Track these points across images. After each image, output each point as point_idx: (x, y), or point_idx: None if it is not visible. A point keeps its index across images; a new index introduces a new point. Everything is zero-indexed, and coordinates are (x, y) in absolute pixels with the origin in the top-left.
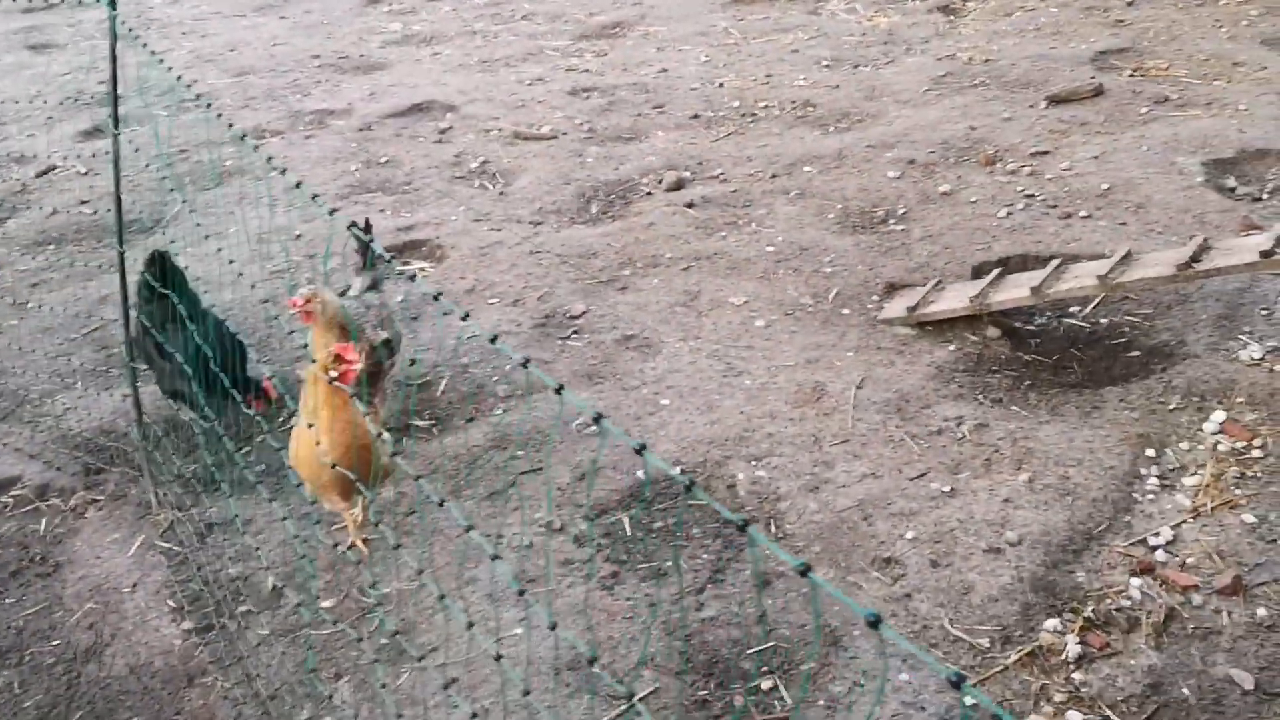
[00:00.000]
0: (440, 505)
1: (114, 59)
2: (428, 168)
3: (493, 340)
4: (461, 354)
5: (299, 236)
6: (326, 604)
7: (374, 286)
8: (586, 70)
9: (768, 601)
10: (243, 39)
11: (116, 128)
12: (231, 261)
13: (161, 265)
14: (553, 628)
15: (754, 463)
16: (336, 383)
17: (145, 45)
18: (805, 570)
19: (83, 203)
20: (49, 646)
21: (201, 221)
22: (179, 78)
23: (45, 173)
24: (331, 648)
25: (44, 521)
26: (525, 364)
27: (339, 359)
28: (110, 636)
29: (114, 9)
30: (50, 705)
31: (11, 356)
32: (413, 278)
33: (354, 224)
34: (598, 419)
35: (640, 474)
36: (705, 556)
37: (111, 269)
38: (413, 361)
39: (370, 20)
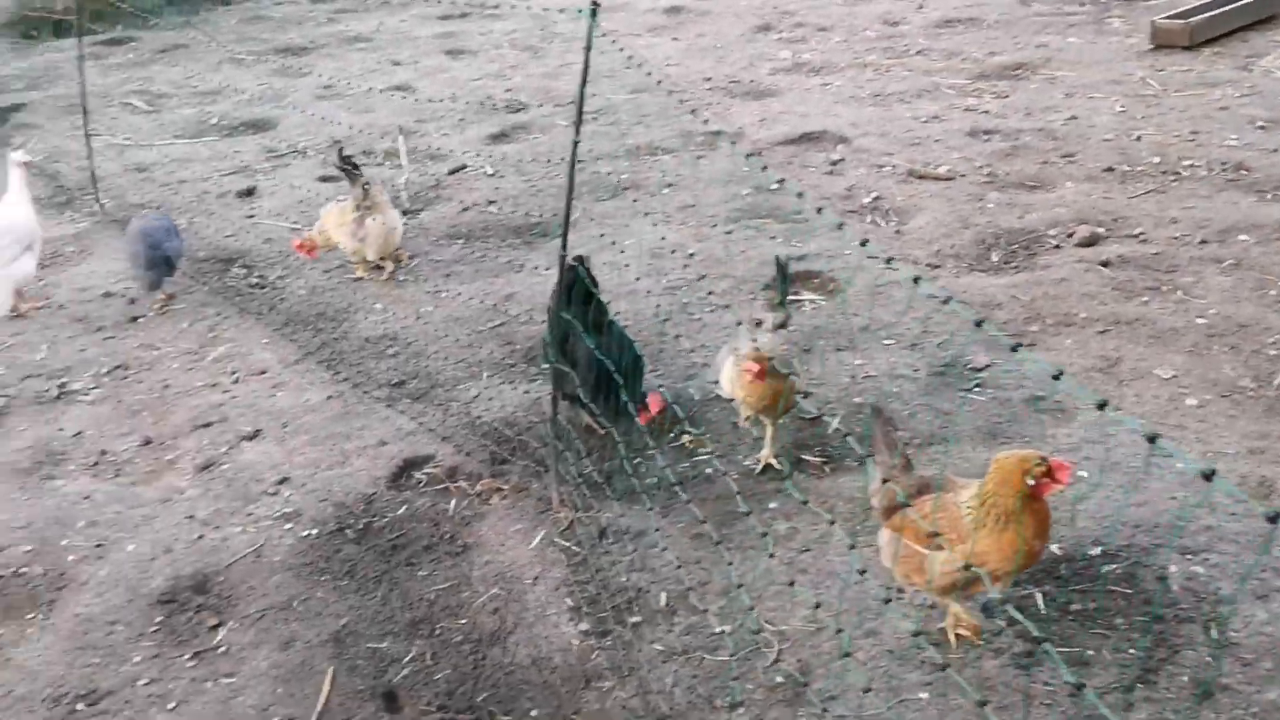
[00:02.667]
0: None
1: (586, 66)
2: (819, 198)
3: (978, 322)
4: (854, 393)
5: (693, 255)
6: (721, 629)
7: (784, 325)
8: (986, 111)
9: (1209, 716)
10: (639, 58)
11: (578, 135)
12: (625, 266)
13: (578, 272)
14: (982, 705)
15: (1189, 556)
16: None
17: (623, 49)
18: None
19: (490, 202)
20: (457, 624)
21: (600, 232)
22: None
23: (456, 171)
24: (725, 676)
25: (453, 502)
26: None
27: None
28: (513, 625)
29: (594, 18)
30: (458, 682)
31: (427, 340)
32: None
33: (778, 259)
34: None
35: (1056, 549)
36: (1132, 651)
37: (516, 269)
38: (805, 394)
39: (760, 47)
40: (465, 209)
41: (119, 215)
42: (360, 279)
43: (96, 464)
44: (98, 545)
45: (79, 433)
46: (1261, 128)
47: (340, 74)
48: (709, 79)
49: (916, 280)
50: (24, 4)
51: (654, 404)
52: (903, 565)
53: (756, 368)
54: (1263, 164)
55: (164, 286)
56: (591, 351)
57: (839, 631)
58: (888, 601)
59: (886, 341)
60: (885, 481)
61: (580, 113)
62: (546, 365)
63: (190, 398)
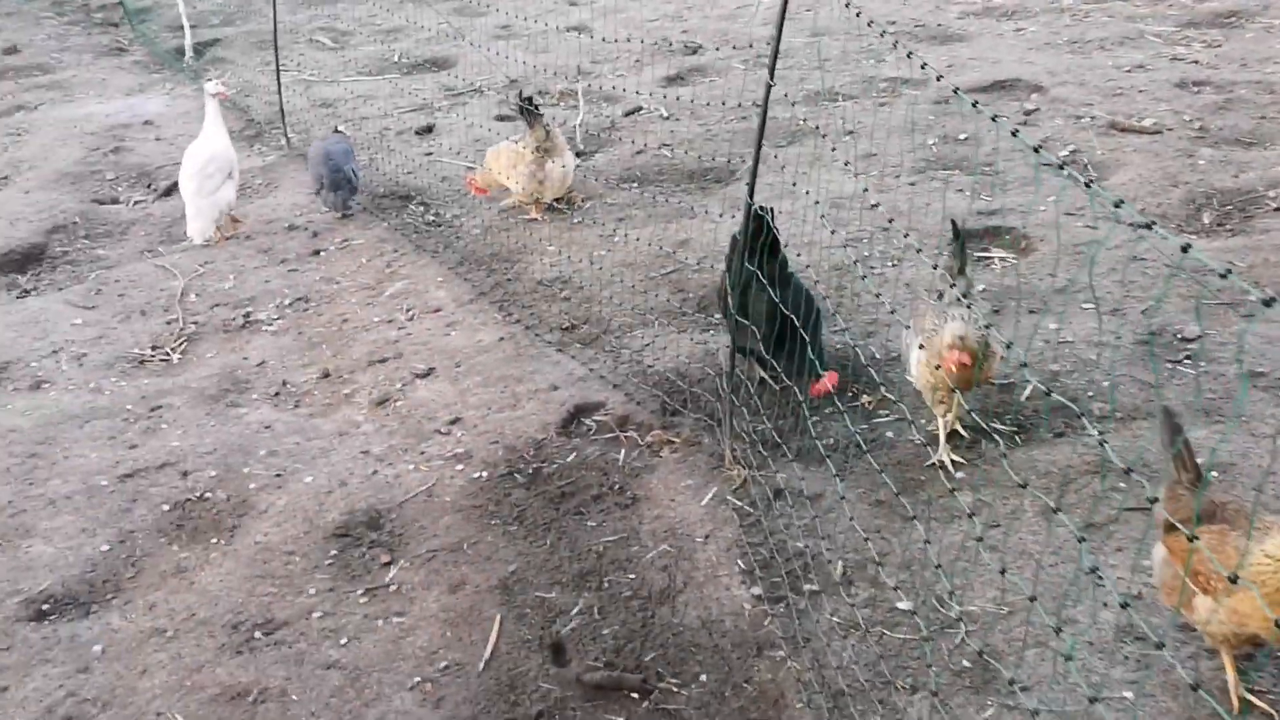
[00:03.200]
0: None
1: (784, 11)
2: (1010, 150)
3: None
4: (1050, 359)
5: (875, 206)
6: (902, 605)
7: (966, 295)
8: (1196, 61)
9: None
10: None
11: (772, 78)
12: (804, 216)
13: (761, 223)
14: None
15: None
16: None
17: None
18: None
19: (664, 146)
20: (625, 579)
21: (773, 181)
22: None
23: (632, 113)
24: (907, 655)
25: (623, 452)
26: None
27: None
28: (683, 584)
29: None
30: (626, 639)
31: (600, 284)
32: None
33: (954, 222)
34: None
35: None
36: None
37: (690, 215)
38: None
39: None
40: (639, 152)
41: (304, 150)
42: (534, 219)
43: (278, 394)
44: (277, 475)
45: (262, 362)
46: None
47: (518, 13)
48: (893, 22)
49: (1187, 249)
50: None
51: (830, 381)
52: (1168, 593)
53: (966, 359)
54: None
55: (351, 207)
56: (774, 305)
57: (1056, 628)
58: (1125, 605)
59: (1085, 305)
60: (1175, 494)
61: (775, 54)
62: (723, 317)
63: (367, 333)
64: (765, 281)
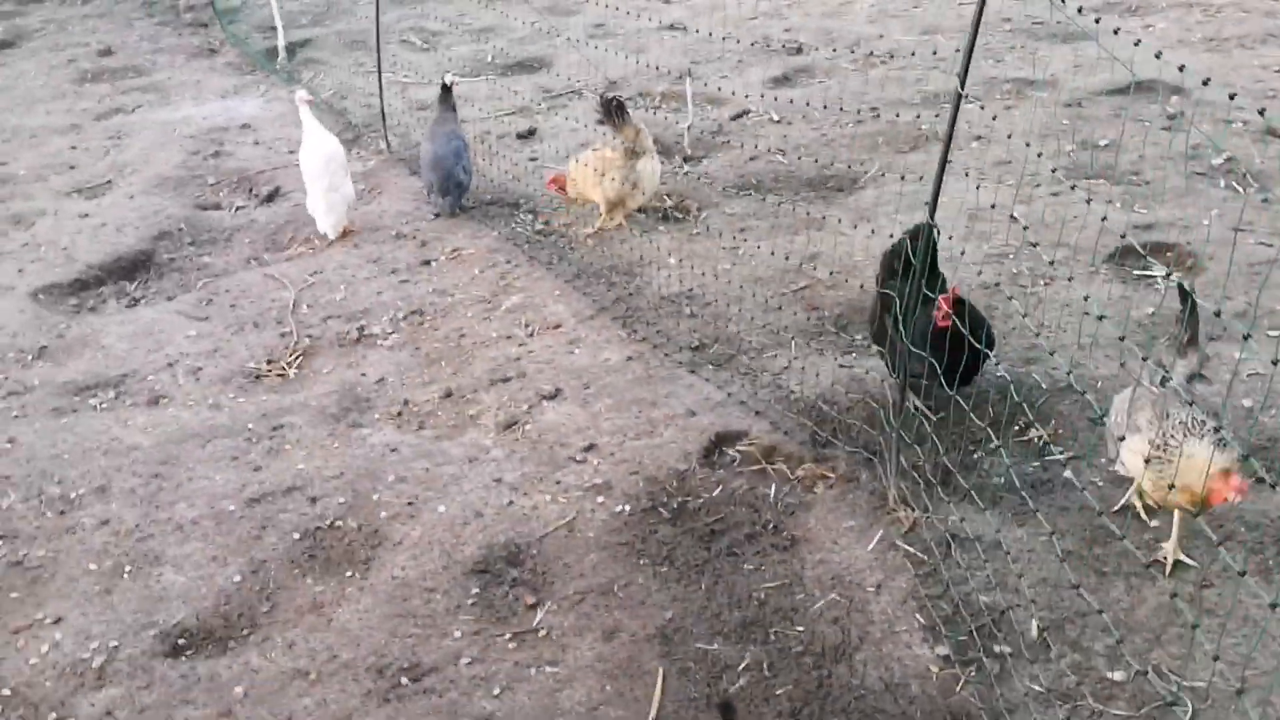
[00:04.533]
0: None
1: (981, 8)
2: (1159, 158)
3: None
4: (1241, 393)
5: (1015, 219)
6: (1112, 675)
7: (1200, 373)
8: None
9: None
10: None
11: (963, 87)
12: (950, 238)
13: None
14: None
15: None
16: None
17: None
18: None
19: (779, 151)
20: (793, 631)
21: (902, 189)
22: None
23: (739, 116)
24: None
25: (773, 487)
26: None
27: None
28: (858, 639)
29: None
30: (802, 701)
31: (727, 300)
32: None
33: (1182, 285)
34: None
35: None
36: None
37: (816, 226)
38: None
39: None
40: (752, 158)
41: (405, 154)
42: (619, 226)
43: (400, 414)
44: (409, 503)
45: (381, 379)
46: None
47: (611, 11)
48: (1008, 19)
49: None
50: None
51: (946, 302)
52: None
53: (1243, 487)
54: None
55: (462, 208)
56: (926, 328)
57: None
58: None
59: (1272, 332)
60: None
61: (969, 57)
62: (874, 341)
63: (487, 349)
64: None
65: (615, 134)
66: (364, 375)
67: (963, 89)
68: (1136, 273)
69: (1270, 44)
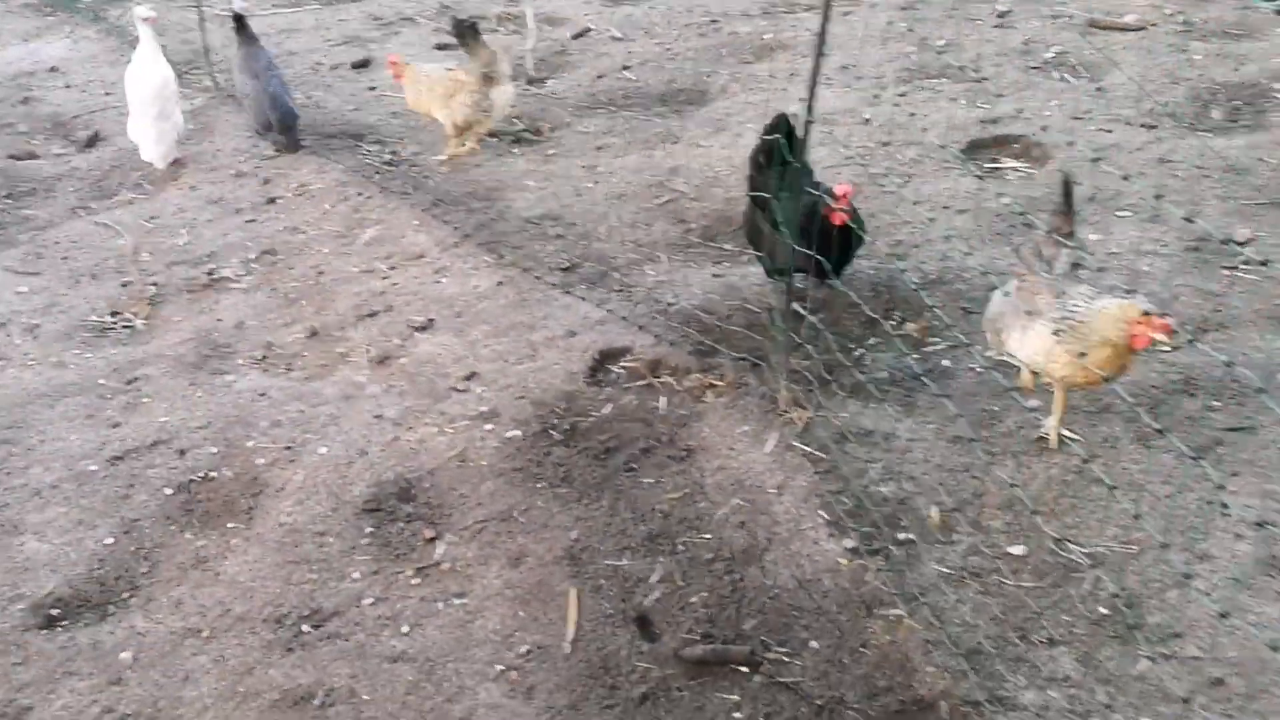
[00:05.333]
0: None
1: None
2: (995, 54)
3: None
4: (1096, 271)
5: (868, 120)
6: (1014, 550)
7: (1078, 265)
8: None
9: None
10: None
11: None
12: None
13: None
14: None
15: None
16: None
17: None
18: None
19: (625, 68)
20: (701, 539)
21: (753, 99)
22: None
23: (580, 35)
24: (1034, 605)
25: (663, 400)
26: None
27: None
28: (766, 541)
29: None
30: (717, 606)
31: (592, 220)
32: None
33: (1066, 178)
34: None
35: None
36: None
37: (672, 139)
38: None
39: None
40: (600, 76)
41: (233, 90)
42: (472, 151)
43: (265, 357)
44: (287, 448)
45: (240, 323)
46: None
47: None
48: None
49: None
50: None
51: (843, 193)
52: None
53: (1167, 325)
54: None
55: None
56: (799, 218)
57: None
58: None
59: (1121, 213)
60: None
61: None
62: (752, 244)
63: (349, 284)
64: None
65: (470, 57)
66: (220, 320)
67: None
68: (987, 165)
69: None
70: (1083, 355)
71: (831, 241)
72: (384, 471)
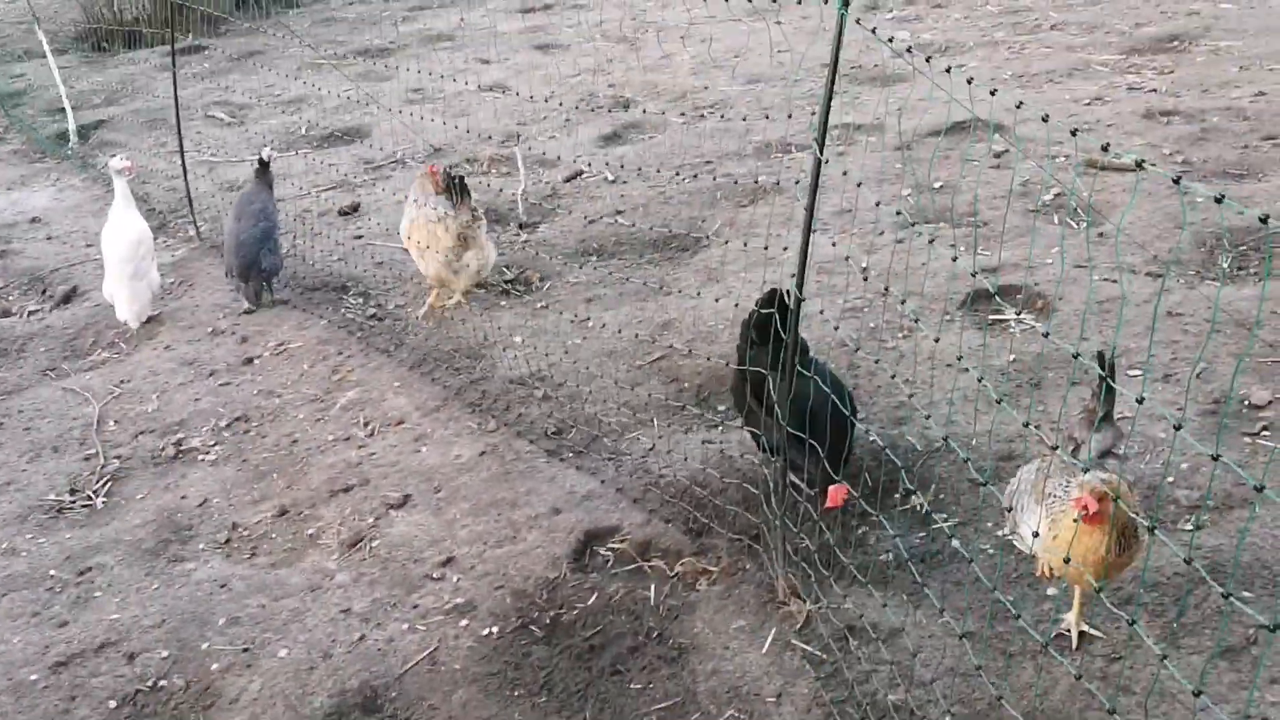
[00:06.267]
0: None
1: (836, 60)
2: (993, 197)
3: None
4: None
5: (865, 268)
6: None
7: (1112, 450)
8: (1154, 90)
9: None
10: (744, 45)
11: (822, 152)
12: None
13: (776, 304)
14: None
15: None
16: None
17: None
18: None
19: (618, 212)
20: None
21: (750, 243)
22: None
23: (573, 178)
24: None
25: (653, 588)
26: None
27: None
28: None
29: (845, 7)
30: None
31: (580, 380)
32: None
33: (1100, 353)
34: None
35: None
36: None
37: (665, 291)
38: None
39: (872, 27)
40: (591, 221)
41: (217, 240)
42: (459, 305)
43: (229, 540)
44: (244, 650)
45: (204, 501)
46: None
47: (428, 75)
48: (825, 65)
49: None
50: (92, 16)
51: (840, 494)
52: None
53: (1094, 504)
54: None
55: (264, 299)
56: (804, 399)
57: None
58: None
59: (1131, 372)
60: None
61: (825, 119)
62: (741, 415)
63: (323, 455)
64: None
65: (453, 209)
66: (184, 498)
67: (821, 153)
68: (991, 318)
69: (1076, 77)
70: (1066, 560)
71: (824, 435)
72: (348, 678)
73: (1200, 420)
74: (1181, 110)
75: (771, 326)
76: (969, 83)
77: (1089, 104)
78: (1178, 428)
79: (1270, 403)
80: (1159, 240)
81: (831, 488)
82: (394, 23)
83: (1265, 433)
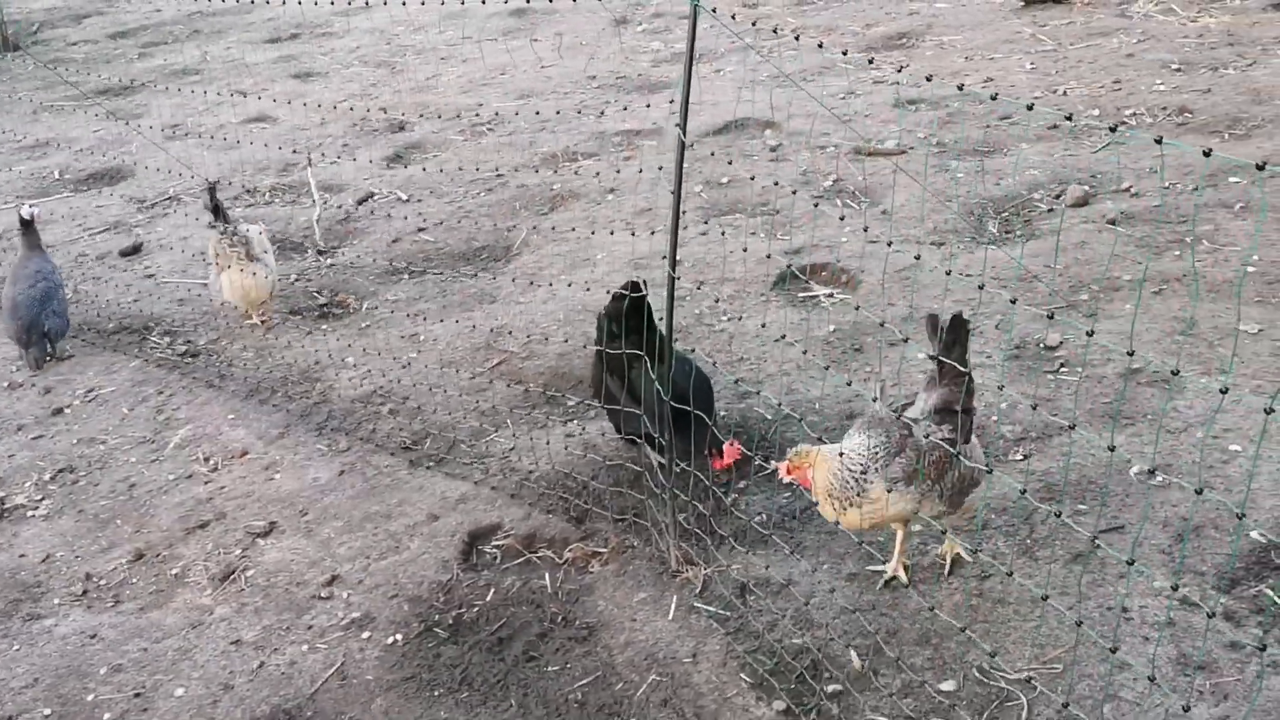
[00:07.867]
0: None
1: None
2: (780, 187)
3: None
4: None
5: (680, 261)
6: (945, 686)
7: (946, 409)
8: (897, 83)
9: None
10: (507, 62)
11: (685, 138)
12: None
13: (634, 298)
14: None
15: None
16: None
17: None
18: None
19: (420, 230)
20: None
21: (559, 250)
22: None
23: (365, 200)
24: None
25: (547, 576)
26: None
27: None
28: (694, 717)
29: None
30: None
31: (424, 392)
32: None
33: (957, 316)
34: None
35: (1256, 535)
36: None
37: (489, 299)
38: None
39: (628, 40)
40: (395, 240)
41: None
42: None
43: (85, 591)
44: (136, 695)
45: (48, 556)
46: (1178, 70)
47: (182, 110)
48: (593, 77)
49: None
50: None
51: (730, 454)
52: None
53: (784, 472)
54: (1202, 105)
55: (50, 359)
56: (655, 386)
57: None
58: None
59: None
60: None
61: (685, 111)
62: (602, 404)
63: (167, 495)
64: (648, 361)
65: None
66: (23, 556)
67: (684, 137)
68: (802, 295)
69: (827, 74)
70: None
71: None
72: (257, 705)
73: (1005, 364)
74: (926, 99)
75: (644, 312)
76: (701, 101)
77: (844, 98)
78: (1000, 388)
79: (1061, 343)
80: (934, 213)
81: (725, 445)
82: (127, 60)
83: (1063, 369)
